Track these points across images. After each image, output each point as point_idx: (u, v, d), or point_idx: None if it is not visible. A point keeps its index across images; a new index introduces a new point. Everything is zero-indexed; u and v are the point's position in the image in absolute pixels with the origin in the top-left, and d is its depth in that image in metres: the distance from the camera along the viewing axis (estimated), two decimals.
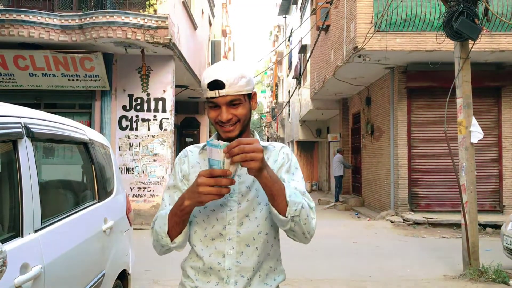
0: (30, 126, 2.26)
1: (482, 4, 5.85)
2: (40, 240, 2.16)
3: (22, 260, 1.96)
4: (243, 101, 1.58)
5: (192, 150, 1.75)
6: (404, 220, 10.35)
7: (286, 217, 1.48)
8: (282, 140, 34.20)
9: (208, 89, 1.55)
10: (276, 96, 36.06)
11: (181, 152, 1.78)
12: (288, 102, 26.72)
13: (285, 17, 30.81)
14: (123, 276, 3.58)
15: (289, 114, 28.39)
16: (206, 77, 1.56)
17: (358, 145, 15.57)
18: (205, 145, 1.70)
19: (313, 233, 1.58)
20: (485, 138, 10.51)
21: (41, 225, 2.23)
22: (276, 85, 36.62)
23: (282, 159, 1.69)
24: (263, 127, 47.56)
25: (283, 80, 32.69)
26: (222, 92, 1.53)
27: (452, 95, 6.17)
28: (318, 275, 6.13)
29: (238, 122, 1.59)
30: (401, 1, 9.10)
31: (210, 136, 21.90)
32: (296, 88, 21.90)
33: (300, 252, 6.90)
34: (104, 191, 3.32)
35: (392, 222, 10.44)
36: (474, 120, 5.96)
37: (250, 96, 1.63)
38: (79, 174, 3.24)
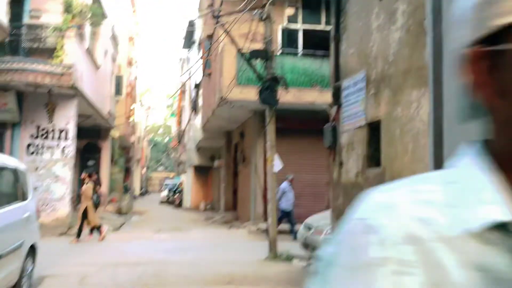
0: None
1: (282, 84, 9.12)
2: None
3: None
4: None
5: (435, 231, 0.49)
6: (257, 228, 13.46)
7: None
8: (183, 164, 36.58)
9: None
10: (180, 123, 38.66)
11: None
12: (184, 130, 29.46)
13: (188, 51, 33.68)
14: (34, 248, 6.08)
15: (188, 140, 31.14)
16: None
17: (236, 170, 18.69)
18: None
19: None
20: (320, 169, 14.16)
21: None
22: (180, 113, 39.27)
23: None
24: (169, 152, 49.33)
25: (185, 108, 35.47)
26: None
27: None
28: (173, 259, 8.90)
29: None
30: (245, 69, 12.34)
31: (112, 160, 23.94)
32: (190, 118, 24.82)
33: (167, 248, 9.65)
34: (25, 196, 5.84)
35: (249, 230, 13.51)
36: (276, 156, 9.15)
37: None
38: (11, 186, 5.74)
